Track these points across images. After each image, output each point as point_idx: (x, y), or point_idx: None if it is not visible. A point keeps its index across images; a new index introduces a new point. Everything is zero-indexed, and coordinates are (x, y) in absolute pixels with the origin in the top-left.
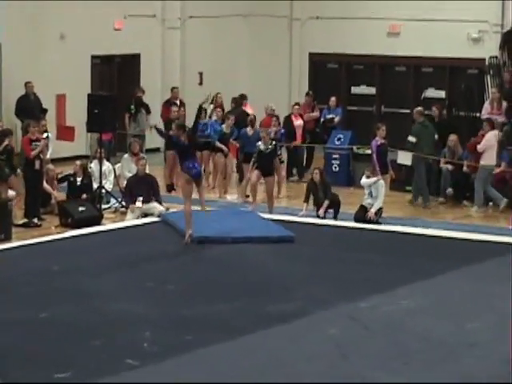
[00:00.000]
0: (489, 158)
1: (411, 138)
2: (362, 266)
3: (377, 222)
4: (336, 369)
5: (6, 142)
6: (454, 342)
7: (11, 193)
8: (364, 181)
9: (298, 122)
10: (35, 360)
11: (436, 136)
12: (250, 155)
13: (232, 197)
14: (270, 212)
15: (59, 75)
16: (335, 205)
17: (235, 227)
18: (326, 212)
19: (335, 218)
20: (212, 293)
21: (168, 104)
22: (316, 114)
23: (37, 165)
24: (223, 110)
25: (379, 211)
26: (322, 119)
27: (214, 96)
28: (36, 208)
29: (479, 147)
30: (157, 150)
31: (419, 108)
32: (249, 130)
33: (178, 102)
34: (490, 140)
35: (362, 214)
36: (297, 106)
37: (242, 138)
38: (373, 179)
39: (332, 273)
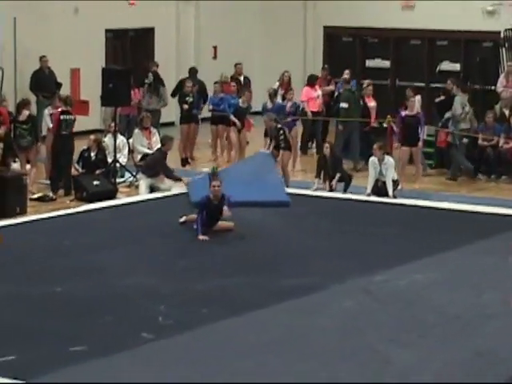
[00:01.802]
0: None
1: (343, 105)
2: (376, 240)
3: (393, 196)
4: (350, 341)
5: (28, 111)
6: (470, 315)
7: (28, 167)
8: (371, 160)
9: (372, 104)
10: (50, 334)
11: (361, 102)
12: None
13: None
14: (287, 186)
15: (73, 49)
16: (344, 180)
17: (235, 190)
18: (336, 184)
19: (345, 191)
20: (226, 267)
21: (232, 80)
22: (331, 87)
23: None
24: (291, 88)
25: (395, 183)
26: (336, 93)
27: (281, 74)
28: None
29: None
30: (171, 124)
31: (346, 76)
32: (268, 104)
33: (241, 78)
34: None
35: (376, 188)
36: (370, 87)
37: (263, 112)
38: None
39: (346, 246)
